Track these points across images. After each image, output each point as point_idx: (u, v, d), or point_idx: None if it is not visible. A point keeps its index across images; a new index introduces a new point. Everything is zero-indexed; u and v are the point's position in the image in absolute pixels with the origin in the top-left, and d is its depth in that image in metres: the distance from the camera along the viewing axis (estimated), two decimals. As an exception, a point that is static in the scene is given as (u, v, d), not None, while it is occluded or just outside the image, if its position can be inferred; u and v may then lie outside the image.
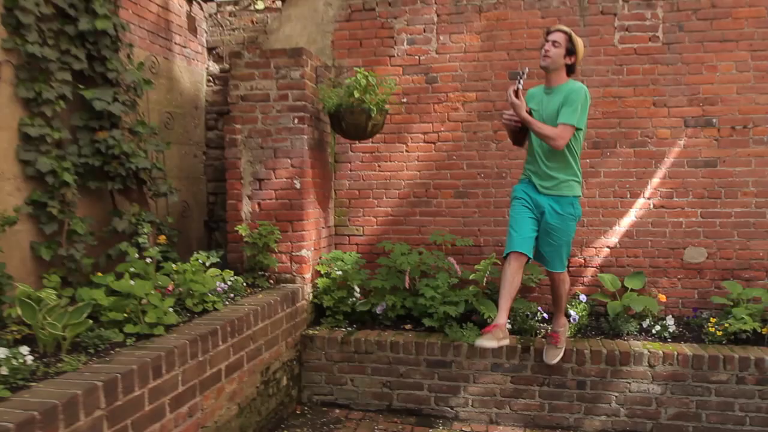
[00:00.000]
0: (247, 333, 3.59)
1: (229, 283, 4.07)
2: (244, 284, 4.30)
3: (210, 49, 5.61)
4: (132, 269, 3.40)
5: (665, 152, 4.72)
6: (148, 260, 3.48)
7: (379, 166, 5.18)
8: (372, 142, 5.14)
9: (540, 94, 3.72)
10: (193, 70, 5.38)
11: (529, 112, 3.62)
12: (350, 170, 5.23)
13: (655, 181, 4.74)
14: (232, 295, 3.98)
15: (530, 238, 3.62)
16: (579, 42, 3.57)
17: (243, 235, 4.48)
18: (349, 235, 5.26)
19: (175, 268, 3.72)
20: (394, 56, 5.11)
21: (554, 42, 3.52)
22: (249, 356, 3.62)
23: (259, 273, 4.55)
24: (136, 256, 3.50)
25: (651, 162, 4.74)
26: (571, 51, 3.55)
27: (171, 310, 3.14)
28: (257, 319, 3.73)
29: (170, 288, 3.49)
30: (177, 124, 5.08)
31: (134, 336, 2.99)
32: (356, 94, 4.35)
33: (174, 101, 5.04)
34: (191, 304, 3.55)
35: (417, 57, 5.07)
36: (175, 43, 5.07)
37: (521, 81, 3.51)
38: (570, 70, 3.65)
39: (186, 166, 5.23)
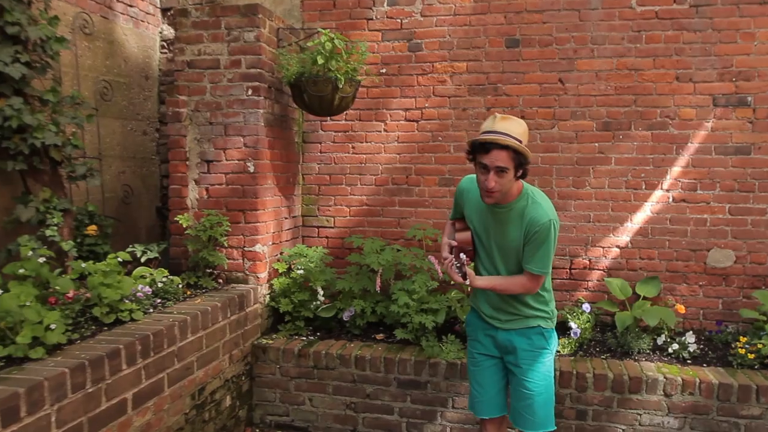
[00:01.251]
0: (169, 350, 2.91)
1: (160, 284, 3.39)
2: (183, 286, 3.63)
3: (164, 10, 4.87)
4: (22, 270, 2.73)
5: (689, 136, 3.98)
6: (42, 259, 2.80)
7: (353, 147, 4.46)
8: (345, 120, 4.42)
9: (480, 204, 2.48)
10: (143, 34, 4.66)
11: (463, 223, 2.62)
12: (320, 152, 4.52)
13: (676, 170, 4.00)
14: (159, 300, 3.30)
15: (498, 394, 2.67)
16: (526, 136, 2.32)
17: (185, 226, 3.79)
18: (318, 227, 4.57)
19: (85, 268, 3.04)
20: (372, 19, 4.37)
21: (497, 169, 2.25)
22: (172, 378, 2.95)
23: (206, 271, 3.87)
24: (30, 253, 2.82)
25: (672, 147, 4.01)
26: (523, 163, 2.29)
27: (56, 325, 2.46)
28: (186, 331, 3.05)
29: (71, 295, 2.81)
30: (119, 96, 4.37)
31: (3, 361, 2.32)
32: (320, 61, 3.62)
33: (115, 68, 4.33)
34: (100, 314, 2.87)
35: (399, 20, 4.32)
36: (117, 0, 4.35)
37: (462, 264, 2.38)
38: (522, 177, 2.38)
39: (131, 145, 4.53)
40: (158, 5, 4.83)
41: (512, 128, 2.26)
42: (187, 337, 3.07)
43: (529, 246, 2.40)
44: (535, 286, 2.48)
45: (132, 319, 2.96)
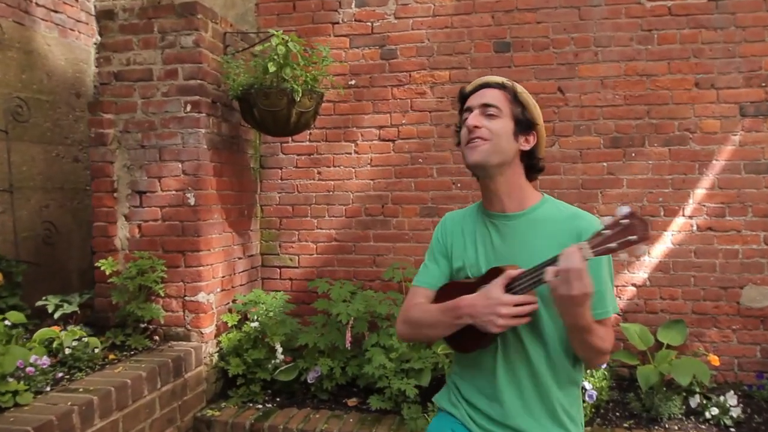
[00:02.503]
0: (64, 446, 2.20)
1: (69, 350, 2.68)
2: (105, 348, 2.92)
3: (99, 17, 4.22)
4: None
5: (713, 152, 3.37)
6: None
7: (319, 173, 3.80)
8: (309, 141, 3.78)
9: (473, 227, 1.63)
10: (72, 45, 4.01)
11: (451, 274, 1.66)
12: (281, 179, 3.85)
13: (700, 192, 3.39)
14: (63, 372, 2.58)
15: None
16: (532, 100, 1.59)
17: (108, 273, 3.09)
18: (280, 267, 3.88)
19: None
20: (338, 23, 3.75)
21: (485, 108, 1.53)
22: (69, 483, 2.23)
23: (138, 327, 3.17)
24: None
25: (693, 166, 3.39)
26: (526, 122, 1.55)
27: None
28: (91, 416, 2.34)
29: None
30: (41, 116, 3.69)
31: None
32: (272, 68, 2.98)
33: (35, 84, 3.66)
34: (-31, 401, 2.16)
35: (369, 23, 3.71)
36: (37, 4, 3.70)
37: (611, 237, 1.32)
38: (532, 167, 1.61)
39: (58, 174, 3.84)
40: (92, 12, 4.18)
41: (520, 87, 1.60)
42: (93, 423, 2.35)
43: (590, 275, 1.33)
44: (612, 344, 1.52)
45: (16, 404, 2.25)
